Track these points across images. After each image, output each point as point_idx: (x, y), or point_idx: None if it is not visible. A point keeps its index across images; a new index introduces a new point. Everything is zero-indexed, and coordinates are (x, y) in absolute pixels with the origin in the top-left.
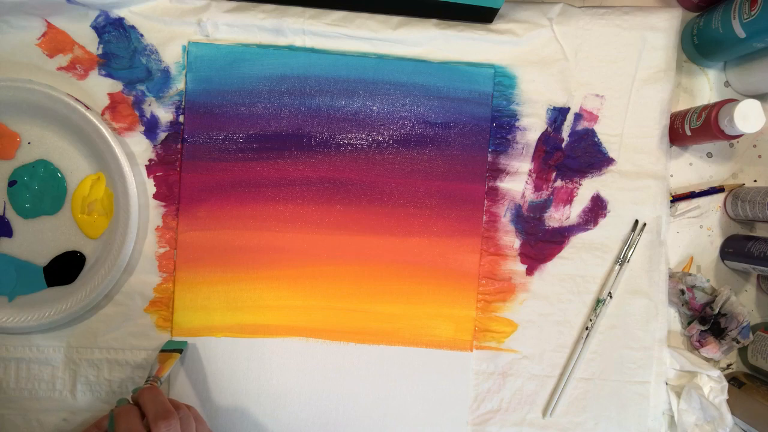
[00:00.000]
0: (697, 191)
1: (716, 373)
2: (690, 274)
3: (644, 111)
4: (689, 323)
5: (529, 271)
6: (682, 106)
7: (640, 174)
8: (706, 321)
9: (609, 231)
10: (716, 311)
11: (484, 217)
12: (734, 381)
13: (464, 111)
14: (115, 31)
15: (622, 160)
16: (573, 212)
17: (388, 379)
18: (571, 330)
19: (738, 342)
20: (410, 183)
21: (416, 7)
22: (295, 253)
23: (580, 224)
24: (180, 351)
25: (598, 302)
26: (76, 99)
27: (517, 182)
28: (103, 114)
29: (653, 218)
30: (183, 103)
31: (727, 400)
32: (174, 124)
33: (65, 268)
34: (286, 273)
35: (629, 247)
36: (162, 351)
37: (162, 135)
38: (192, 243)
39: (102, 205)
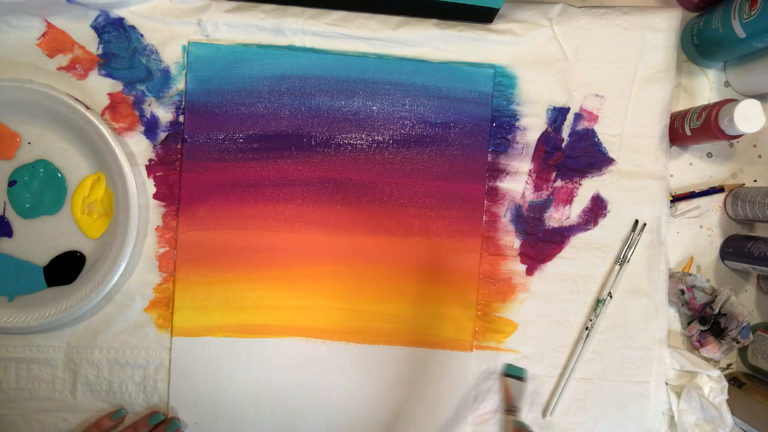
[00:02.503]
0: (697, 191)
1: (716, 373)
2: (690, 274)
3: (644, 111)
4: (689, 323)
5: (529, 271)
6: (682, 106)
7: (640, 174)
8: (706, 321)
9: (609, 231)
10: (716, 311)
11: (484, 217)
12: (734, 381)
13: (464, 111)
14: (115, 31)
15: (622, 160)
16: (573, 212)
17: (388, 379)
18: (571, 330)
19: (738, 342)
20: (410, 183)
21: (416, 7)
22: (296, 253)
23: (580, 224)
24: (521, 378)
25: (598, 302)
26: (76, 99)
27: (517, 182)
28: (103, 114)
29: (653, 218)
30: (183, 103)
31: (727, 400)
32: (174, 124)
33: (65, 268)
34: (286, 273)
35: (629, 247)
36: (505, 375)
37: (162, 135)
38: (192, 243)
39: (102, 205)
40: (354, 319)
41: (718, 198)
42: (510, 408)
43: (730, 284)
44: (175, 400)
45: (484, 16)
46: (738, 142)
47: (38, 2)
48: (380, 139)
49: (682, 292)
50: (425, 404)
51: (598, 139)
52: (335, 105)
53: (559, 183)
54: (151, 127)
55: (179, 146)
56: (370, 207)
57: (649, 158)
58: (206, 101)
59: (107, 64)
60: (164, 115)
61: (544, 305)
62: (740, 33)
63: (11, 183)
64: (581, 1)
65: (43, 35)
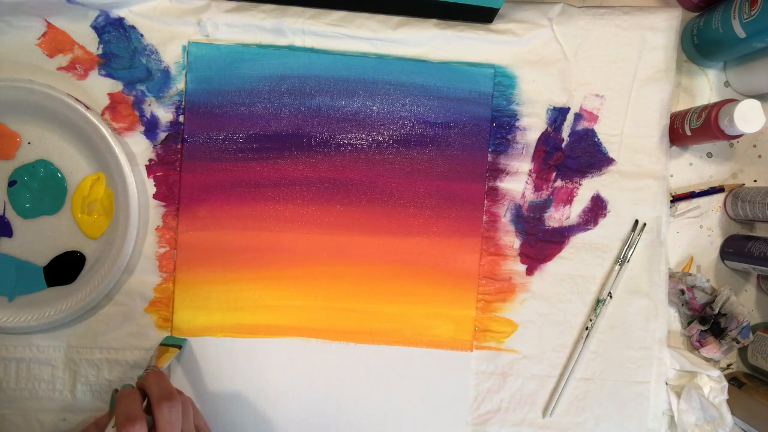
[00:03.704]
0: (697, 191)
1: (716, 373)
2: (690, 274)
3: (644, 111)
4: (689, 323)
5: (529, 271)
6: (682, 106)
7: (640, 174)
8: (706, 321)
9: (609, 231)
10: (716, 311)
11: (484, 217)
12: (734, 381)
13: (464, 111)
14: (115, 31)
15: (622, 160)
16: (573, 212)
17: (388, 379)
18: (571, 330)
19: (738, 342)
20: (410, 183)
21: (416, 7)
22: (295, 253)
23: (580, 224)
24: (179, 347)
25: (598, 302)
26: (76, 99)
27: (517, 182)
28: (103, 114)
29: (653, 218)
30: (183, 103)
31: (727, 400)
32: (174, 124)
33: (65, 268)
34: (286, 273)
35: (629, 247)
36: (161, 345)
37: (162, 135)
38: (192, 243)
39: (102, 205)
40: (353, 319)
41: (718, 198)
42: (151, 367)
43: (730, 284)
44: None
45: (484, 16)
46: (738, 142)
47: (38, 2)
48: (380, 139)
49: (682, 292)
50: (425, 404)
51: (598, 139)
52: (335, 105)
53: (559, 183)
54: (151, 127)
55: (179, 146)
56: (370, 207)
57: (649, 158)
58: (206, 101)
59: (107, 64)
60: (164, 115)
61: (544, 305)
62: (740, 33)
63: (11, 183)
64: (581, 1)
65: (43, 35)
